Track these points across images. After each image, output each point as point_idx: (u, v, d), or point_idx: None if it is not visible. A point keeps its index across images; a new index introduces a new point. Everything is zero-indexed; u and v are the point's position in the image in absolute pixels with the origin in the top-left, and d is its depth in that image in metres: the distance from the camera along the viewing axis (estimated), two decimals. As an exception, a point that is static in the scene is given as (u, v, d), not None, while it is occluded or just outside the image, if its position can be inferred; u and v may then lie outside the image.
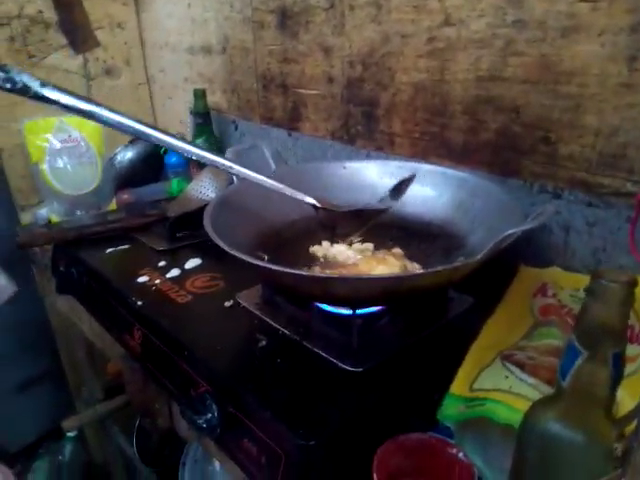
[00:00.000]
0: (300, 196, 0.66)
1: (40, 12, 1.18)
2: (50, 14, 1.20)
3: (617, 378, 0.34)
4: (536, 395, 0.49)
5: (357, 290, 0.51)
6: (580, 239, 0.66)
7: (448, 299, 0.68)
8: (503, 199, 0.64)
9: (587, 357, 0.35)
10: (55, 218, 1.09)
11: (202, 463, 0.95)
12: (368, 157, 0.90)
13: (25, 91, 0.47)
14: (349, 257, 0.69)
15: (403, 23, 0.78)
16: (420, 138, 0.82)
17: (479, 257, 0.48)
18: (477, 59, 0.71)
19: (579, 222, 0.66)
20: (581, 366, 0.35)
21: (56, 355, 1.45)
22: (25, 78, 0.46)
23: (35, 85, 0.47)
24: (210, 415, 0.56)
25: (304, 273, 0.49)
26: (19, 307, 1.42)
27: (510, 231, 0.47)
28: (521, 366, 0.53)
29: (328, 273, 0.51)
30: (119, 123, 0.54)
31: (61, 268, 0.88)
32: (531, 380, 0.51)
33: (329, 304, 0.60)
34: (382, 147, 0.88)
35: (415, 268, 0.65)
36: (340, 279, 0.50)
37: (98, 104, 0.52)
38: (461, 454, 0.50)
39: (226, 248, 0.53)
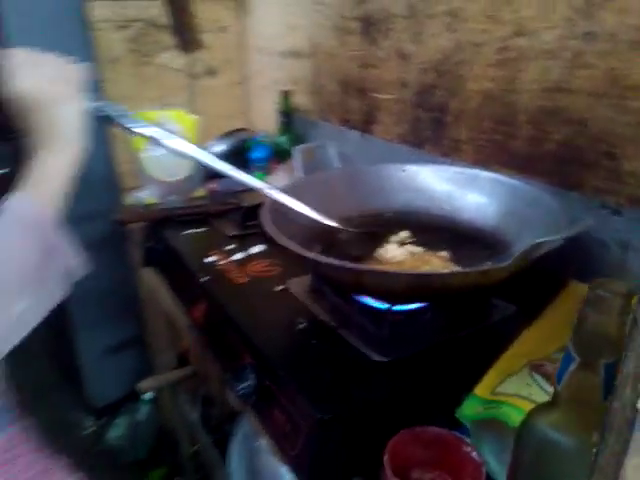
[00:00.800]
0: (323, 219, 0.70)
1: (156, 16, 1.33)
2: (163, 18, 1.34)
3: (608, 387, 0.35)
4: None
5: (386, 283, 0.54)
6: (638, 257, 0.64)
7: (491, 305, 0.68)
8: (554, 210, 0.63)
9: (579, 364, 0.35)
10: (151, 200, 1.22)
11: (250, 437, 1.02)
12: (434, 162, 0.91)
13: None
14: (395, 256, 0.71)
15: (476, 32, 0.79)
16: (485, 146, 0.82)
17: (506, 263, 0.49)
18: (545, 70, 0.70)
19: (638, 240, 0.63)
20: (573, 372, 0.36)
21: (142, 324, 1.62)
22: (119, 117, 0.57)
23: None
24: (248, 384, 0.62)
25: (336, 262, 0.53)
26: (114, 278, 1.61)
27: (539, 240, 0.48)
28: (547, 377, 0.53)
29: (360, 265, 0.54)
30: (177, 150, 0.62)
31: (148, 244, 1.00)
32: (552, 389, 0.51)
33: (365, 296, 0.64)
34: (448, 153, 0.90)
35: (458, 271, 0.66)
36: (369, 271, 0.54)
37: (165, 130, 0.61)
38: (474, 453, 0.52)
39: (274, 236, 0.59)
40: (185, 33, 1.38)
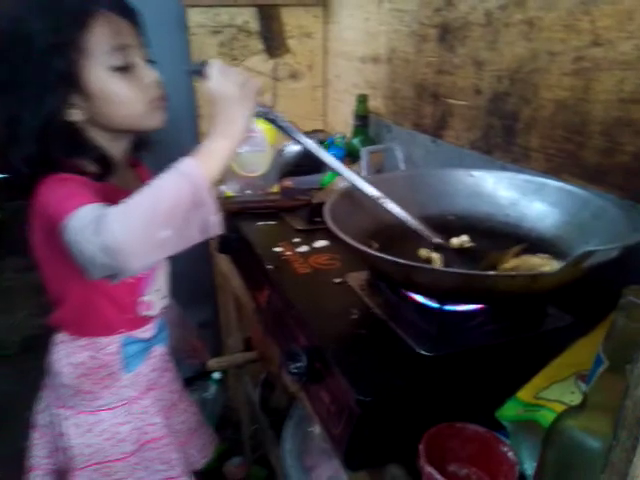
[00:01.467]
0: (424, 232, 0.75)
1: (246, 22, 1.43)
2: (254, 24, 1.43)
3: (635, 392, 0.35)
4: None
5: (434, 281, 0.57)
6: None
7: (546, 314, 0.68)
8: (618, 220, 0.63)
9: (608, 367, 0.36)
10: (230, 193, 1.32)
11: (305, 420, 1.08)
12: (503, 169, 0.91)
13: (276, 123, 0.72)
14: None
15: (552, 41, 0.79)
16: (555, 155, 0.82)
17: (555, 270, 0.50)
18: (621, 80, 0.69)
19: None
20: (602, 375, 0.37)
21: (215, 308, 1.73)
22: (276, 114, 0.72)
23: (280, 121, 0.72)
24: (300, 364, 0.67)
25: (388, 257, 0.57)
26: (193, 263, 1.73)
27: (589, 248, 0.49)
28: (593, 387, 0.53)
29: (410, 262, 0.57)
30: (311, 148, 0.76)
31: (224, 232, 1.08)
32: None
33: (416, 293, 0.66)
34: (518, 160, 0.90)
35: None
36: (417, 267, 0.57)
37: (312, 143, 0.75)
38: (510, 453, 0.53)
39: (338, 232, 0.63)
40: (273, 39, 1.46)
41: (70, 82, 0.65)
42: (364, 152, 0.86)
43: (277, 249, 0.91)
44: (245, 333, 1.44)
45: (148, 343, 0.83)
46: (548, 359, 0.60)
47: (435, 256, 0.75)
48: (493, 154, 0.95)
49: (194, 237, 0.60)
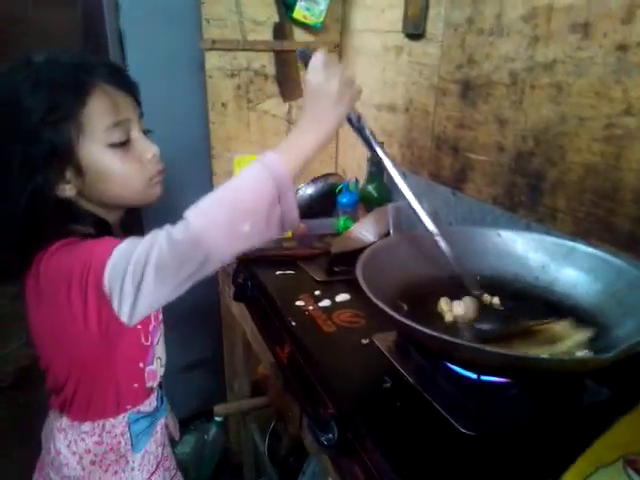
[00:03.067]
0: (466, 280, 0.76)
1: (263, 66, 1.44)
2: (270, 68, 1.45)
3: None
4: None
5: (479, 359, 0.55)
6: None
7: (583, 387, 0.67)
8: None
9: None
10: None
11: (319, 477, 1.04)
12: (528, 227, 0.91)
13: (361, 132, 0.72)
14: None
15: (582, 107, 0.80)
16: (584, 218, 0.82)
17: (610, 355, 0.49)
18: (656, 151, 0.69)
19: None
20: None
21: (219, 348, 1.70)
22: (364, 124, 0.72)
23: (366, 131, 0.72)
24: (331, 435, 0.64)
25: (433, 333, 0.55)
26: (200, 301, 1.70)
27: (644, 337, 0.48)
28: (644, 476, 0.51)
29: (454, 338, 0.56)
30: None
31: (240, 280, 1.07)
32: (651, 492, 0.50)
33: (454, 365, 0.65)
34: (543, 220, 0.89)
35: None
36: (464, 346, 0.55)
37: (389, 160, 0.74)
38: None
39: (372, 297, 0.62)
40: (288, 83, 1.47)
41: (64, 158, 0.62)
42: (390, 209, 0.85)
43: (299, 303, 0.89)
44: (253, 377, 1.41)
45: (153, 417, 0.79)
46: (590, 436, 0.58)
47: (455, 308, 0.73)
48: (517, 212, 0.94)
49: (273, 232, 0.59)
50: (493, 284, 0.81)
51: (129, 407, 0.74)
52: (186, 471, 1.72)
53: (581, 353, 0.58)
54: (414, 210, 0.74)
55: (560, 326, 0.69)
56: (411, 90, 1.22)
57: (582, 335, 0.67)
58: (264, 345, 0.98)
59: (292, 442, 1.27)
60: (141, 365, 0.73)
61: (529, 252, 0.81)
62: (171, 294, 0.59)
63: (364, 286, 0.65)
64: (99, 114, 0.63)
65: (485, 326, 0.72)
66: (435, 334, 0.55)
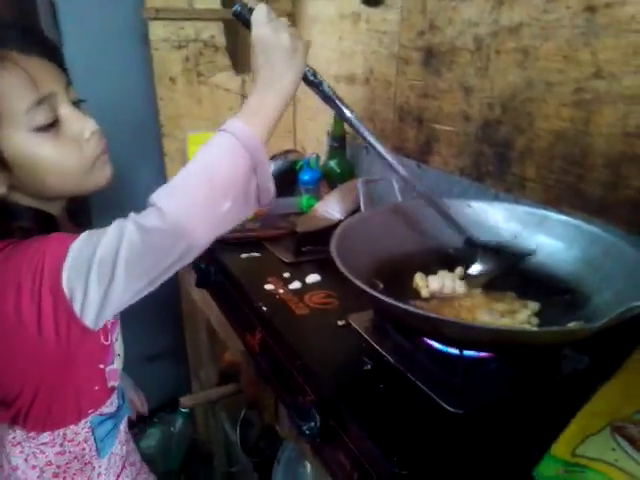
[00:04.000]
0: (457, 225, 0.74)
1: (212, 37, 1.35)
2: (220, 39, 1.36)
3: None
4: (644, 475, 0.47)
5: (466, 335, 0.53)
6: None
7: (562, 356, 0.66)
8: (636, 262, 0.61)
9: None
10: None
11: (295, 463, 1.02)
12: (496, 197, 0.90)
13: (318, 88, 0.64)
14: (455, 290, 0.71)
15: (550, 71, 0.78)
16: (554, 186, 0.81)
17: (598, 325, 0.48)
18: (626, 115, 0.69)
19: None
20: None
21: (181, 337, 1.63)
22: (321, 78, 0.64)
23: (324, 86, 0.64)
24: (313, 424, 0.61)
25: (418, 311, 0.52)
26: (159, 289, 1.63)
27: (636, 303, 0.46)
28: (632, 441, 0.51)
29: (440, 315, 0.53)
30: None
31: (201, 265, 1.01)
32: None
33: (437, 342, 0.62)
34: (512, 189, 0.88)
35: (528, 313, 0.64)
36: (451, 322, 0.53)
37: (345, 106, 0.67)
38: (552, 517, 0.50)
39: (350, 277, 0.58)
40: (239, 54, 1.39)
41: None
42: (360, 184, 0.81)
43: (268, 286, 0.85)
44: (220, 365, 1.36)
45: (117, 417, 0.72)
46: (572, 405, 0.57)
47: (431, 283, 0.72)
48: (485, 182, 0.93)
49: (251, 207, 0.56)
50: (466, 257, 0.79)
51: (91, 411, 0.67)
52: (153, 465, 1.66)
53: (572, 323, 0.57)
54: (389, 164, 0.71)
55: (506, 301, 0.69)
56: (370, 60, 1.17)
57: (532, 307, 0.67)
58: (232, 332, 0.94)
59: (263, 429, 1.24)
60: (101, 366, 0.66)
61: (501, 222, 0.80)
62: (145, 291, 0.54)
63: (340, 265, 0.61)
64: (15, 93, 0.52)
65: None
66: (424, 313, 0.52)
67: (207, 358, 1.36)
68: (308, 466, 1.02)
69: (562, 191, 0.79)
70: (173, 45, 1.32)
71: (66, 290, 0.51)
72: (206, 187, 0.51)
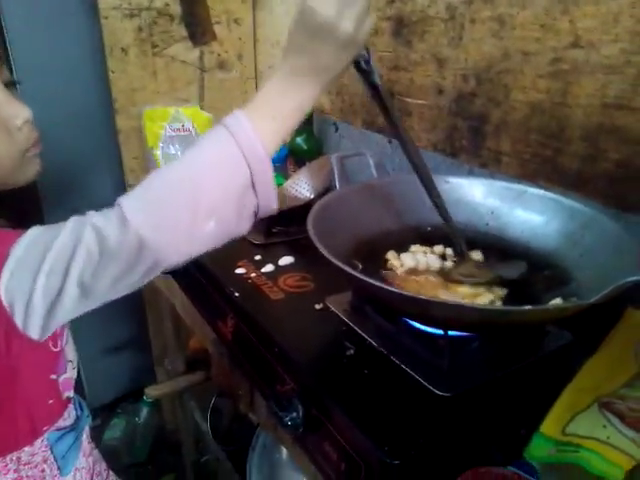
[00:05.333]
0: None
1: (167, 5, 1.26)
2: (175, 7, 1.27)
3: None
4: (637, 452, 0.46)
5: (451, 315, 0.51)
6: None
7: (545, 332, 0.65)
8: (617, 236, 0.60)
9: None
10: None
11: (270, 449, 0.99)
12: (471, 173, 0.88)
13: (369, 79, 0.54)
14: (430, 266, 0.69)
15: (527, 41, 0.76)
16: (530, 160, 0.79)
17: (592, 300, 0.46)
18: (604, 85, 0.67)
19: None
20: None
21: (143, 324, 1.56)
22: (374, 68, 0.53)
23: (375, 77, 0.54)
24: (295, 414, 0.58)
25: (401, 292, 0.50)
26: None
27: (632, 278, 0.45)
28: (621, 417, 0.51)
29: (424, 295, 0.51)
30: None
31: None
32: (632, 434, 0.49)
33: (420, 322, 0.60)
34: (487, 164, 0.86)
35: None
36: (435, 303, 0.50)
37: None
38: (545, 497, 0.49)
39: (331, 258, 0.55)
40: (197, 24, 1.31)
41: None
42: (335, 159, 0.78)
43: (239, 271, 0.80)
44: (186, 353, 1.30)
45: (77, 430, 0.65)
46: (557, 381, 0.57)
47: (405, 260, 0.70)
48: (459, 157, 0.91)
49: (244, 226, 0.48)
50: (444, 234, 0.77)
51: (46, 428, 0.60)
52: (118, 457, 1.61)
53: (557, 300, 0.56)
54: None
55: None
56: (338, 30, 1.12)
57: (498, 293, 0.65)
58: (200, 319, 0.89)
59: (234, 416, 1.20)
60: (53, 377, 0.59)
61: (479, 198, 0.78)
62: (102, 303, 0.47)
63: (320, 247, 0.58)
64: None
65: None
66: (413, 295, 0.49)
67: (172, 346, 1.31)
68: (284, 452, 0.99)
69: (539, 165, 0.78)
70: (124, 14, 1.22)
71: (4, 299, 0.43)
72: (187, 206, 0.43)
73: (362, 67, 0.52)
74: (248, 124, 0.44)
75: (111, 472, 0.79)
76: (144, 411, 1.64)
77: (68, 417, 0.64)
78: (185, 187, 0.43)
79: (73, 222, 0.44)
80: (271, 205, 0.48)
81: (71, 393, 0.64)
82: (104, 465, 0.76)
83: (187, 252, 0.46)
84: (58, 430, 0.61)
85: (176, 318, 1.23)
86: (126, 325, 1.68)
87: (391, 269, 0.71)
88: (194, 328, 0.99)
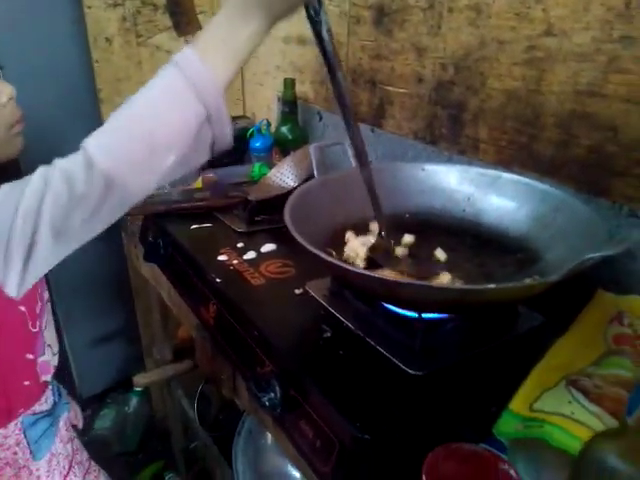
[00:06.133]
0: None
1: (151, -5, 1.26)
2: (159, -3, 1.27)
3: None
4: (598, 425, 0.48)
5: (422, 297, 0.52)
6: (667, 270, 0.63)
7: (517, 314, 0.67)
8: (587, 218, 0.62)
9: (658, 398, 0.34)
10: (146, 190, 1.17)
11: (256, 435, 1.01)
12: (450, 160, 0.89)
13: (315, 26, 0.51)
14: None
15: (502, 29, 0.77)
16: (506, 147, 0.81)
17: (555, 278, 0.48)
18: (577, 73, 0.69)
19: (668, 252, 0.63)
20: (649, 405, 0.35)
21: (132, 315, 1.57)
22: (324, 19, 0.50)
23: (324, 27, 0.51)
24: (273, 395, 0.59)
25: (374, 275, 0.51)
26: (105, 267, 1.55)
27: (590, 255, 0.47)
28: (586, 393, 0.53)
29: (396, 278, 0.52)
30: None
31: (149, 238, 0.96)
32: (595, 409, 0.51)
33: (395, 305, 0.62)
34: (465, 151, 0.88)
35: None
36: (407, 284, 0.52)
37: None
38: (512, 471, 0.51)
39: (305, 244, 0.56)
40: (182, 14, 1.31)
41: None
42: (313, 149, 0.79)
43: (221, 258, 0.81)
44: (173, 342, 1.31)
45: (53, 415, 0.66)
46: (528, 361, 0.58)
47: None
48: (439, 145, 0.92)
49: (202, 158, 0.48)
50: (421, 221, 0.79)
51: (22, 410, 0.61)
52: (109, 446, 1.62)
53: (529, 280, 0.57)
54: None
55: None
56: (321, 20, 1.12)
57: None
58: (185, 307, 0.90)
59: (222, 403, 1.22)
60: (30, 357, 0.60)
61: (454, 184, 0.79)
62: (77, 245, 0.48)
63: (294, 232, 0.59)
64: None
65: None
66: (381, 277, 0.51)
67: (160, 335, 1.32)
68: (269, 437, 1.01)
69: (514, 152, 0.80)
70: (108, 3, 1.22)
71: None
72: (145, 141, 0.44)
73: (311, 14, 0.50)
74: (195, 57, 0.44)
75: (93, 462, 0.81)
76: (134, 400, 1.65)
77: (45, 402, 0.65)
78: (141, 124, 0.44)
79: (41, 170, 0.45)
80: (226, 137, 0.48)
81: (49, 378, 0.65)
82: (86, 455, 0.77)
83: (151, 184, 0.47)
84: (34, 414, 0.62)
85: (164, 308, 1.25)
86: (116, 316, 1.69)
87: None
88: (180, 316, 1.00)
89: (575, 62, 0.69)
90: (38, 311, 0.59)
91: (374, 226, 0.74)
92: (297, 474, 0.90)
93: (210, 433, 1.12)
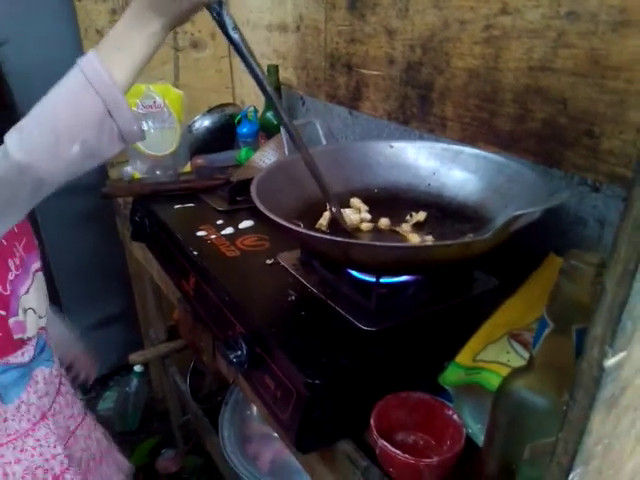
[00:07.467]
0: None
1: (139, -13, 1.30)
2: (148, -11, 1.31)
3: (580, 350, 0.38)
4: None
5: (374, 256, 0.56)
6: (614, 233, 0.67)
7: (474, 279, 0.71)
8: (534, 183, 0.66)
9: (553, 330, 0.38)
10: (137, 175, 1.22)
11: (242, 405, 1.06)
12: (420, 139, 0.93)
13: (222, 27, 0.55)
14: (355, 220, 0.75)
15: (463, 9, 0.80)
16: (470, 123, 0.84)
17: (487, 235, 0.52)
18: (530, 49, 0.72)
19: (615, 216, 0.66)
20: (548, 337, 0.39)
21: (131, 299, 1.63)
22: (227, 19, 0.55)
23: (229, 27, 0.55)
24: (240, 353, 0.64)
25: (325, 236, 0.55)
26: (103, 252, 1.61)
27: (518, 212, 0.51)
28: (525, 345, 0.57)
29: (347, 238, 0.56)
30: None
31: (137, 218, 1.01)
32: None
33: (353, 269, 0.66)
34: (434, 130, 0.91)
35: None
36: (357, 244, 0.56)
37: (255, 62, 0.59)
38: (455, 416, 0.55)
39: (267, 212, 0.60)
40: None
41: None
42: (283, 130, 0.82)
43: (200, 233, 0.86)
44: (167, 322, 1.37)
45: (27, 368, 0.71)
46: (480, 321, 0.62)
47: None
48: (410, 124, 0.96)
49: (114, 147, 0.53)
50: (389, 196, 0.83)
51: None
52: (112, 426, 1.69)
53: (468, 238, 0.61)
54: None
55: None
56: (300, 5, 1.16)
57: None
58: (170, 282, 0.95)
59: (215, 378, 1.27)
60: (2, 313, 0.65)
61: (421, 160, 0.83)
62: (6, 225, 0.55)
63: (258, 202, 0.63)
64: None
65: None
66: (332, 237, 0.55)
67: (155, 316, 1.37)
68: (254, 408, 1.06)
69: (477, 128, 0.83)
70: (98, -4, 1.27)
71: None
72: (49, 130, 0.50)
73: (214, 16, 0.54)
74: (94, 58, 0.49)
75: (90, 420, 0.86)
76: (134, 381, 1.71)
77: (21, 356, 0.70)
78: (47, 117, 0.51)
79: None
80: (133, 130, 0.53)
81: (25, 336, 0.70)
82: (78, 408, 0.83)
83: (60, 171, 0.52)
84: (7, 364, 0.68)
85: (157, 289, 1.30)
86: (116, 301, 1.75)
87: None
88: (168, 293, 1.05)
89: (528, 39, 0.72)
90: (12, 277, 0.65)
91: (355, 200, 0.79)
92: (276, 434, 0.95)
93: (201, 405, 1.18)
